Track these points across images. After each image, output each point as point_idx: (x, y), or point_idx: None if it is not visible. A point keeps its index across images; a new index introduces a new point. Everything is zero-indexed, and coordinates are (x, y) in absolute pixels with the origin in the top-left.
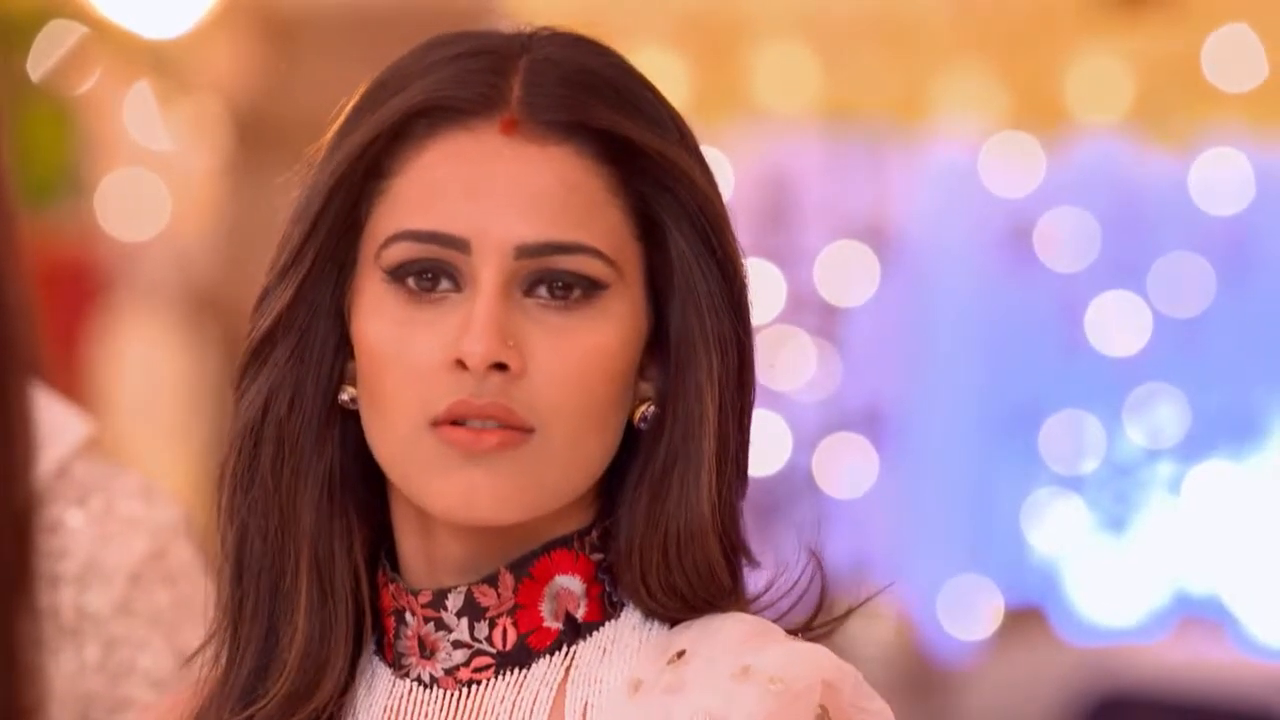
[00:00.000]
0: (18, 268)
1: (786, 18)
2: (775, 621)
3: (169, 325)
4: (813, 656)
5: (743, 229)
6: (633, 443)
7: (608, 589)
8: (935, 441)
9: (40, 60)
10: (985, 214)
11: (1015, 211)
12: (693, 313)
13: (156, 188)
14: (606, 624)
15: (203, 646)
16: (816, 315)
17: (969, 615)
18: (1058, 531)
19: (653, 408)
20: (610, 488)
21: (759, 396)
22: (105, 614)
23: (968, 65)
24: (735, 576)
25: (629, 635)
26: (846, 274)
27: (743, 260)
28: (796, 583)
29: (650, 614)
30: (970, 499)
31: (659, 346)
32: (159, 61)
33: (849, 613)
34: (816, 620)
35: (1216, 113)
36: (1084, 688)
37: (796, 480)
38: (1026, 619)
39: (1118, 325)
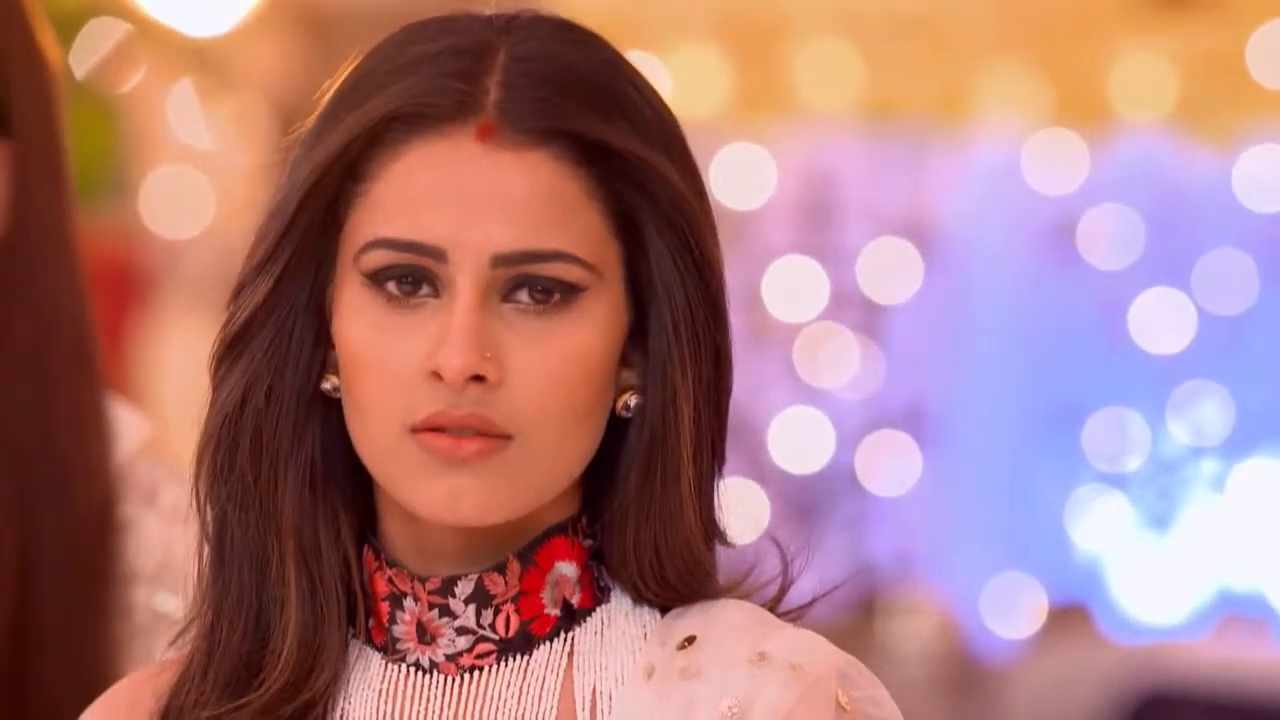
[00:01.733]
0: (84, 274)
1: (828, 15)
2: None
3: (212, 323)
4: (821, 643)
5: (785, 227)
6: (618, 426)
7: (596, 575)
8: (978, 439)
9: (84, 58)
10: (1028, 211)
11: (1058, 209)
12: (669, 313)
13: (200, 185)
14: (598, 609)
15: (184, 630)
16: (859, 313)
17: (1012, 613)
18: (1101, 529)
19: (635, 397)
20: (595, 470)
21: (801, 394)
22: (178, 614)
23: (1010, 62)
24: (713, 557)
25: (622, 621)
26: (889, 271)
27: (721, 260)
28: (785, 570)
29: (639, 600)
30: (1013, 496)
31: (642, 335)
32: (202, 59)
33: (813, 601)
34: (779, 606)
35: (1260, 110)
36: (1127, 685)
37: (839, 478)
38: (1070, 617)
39: (1161, 322)
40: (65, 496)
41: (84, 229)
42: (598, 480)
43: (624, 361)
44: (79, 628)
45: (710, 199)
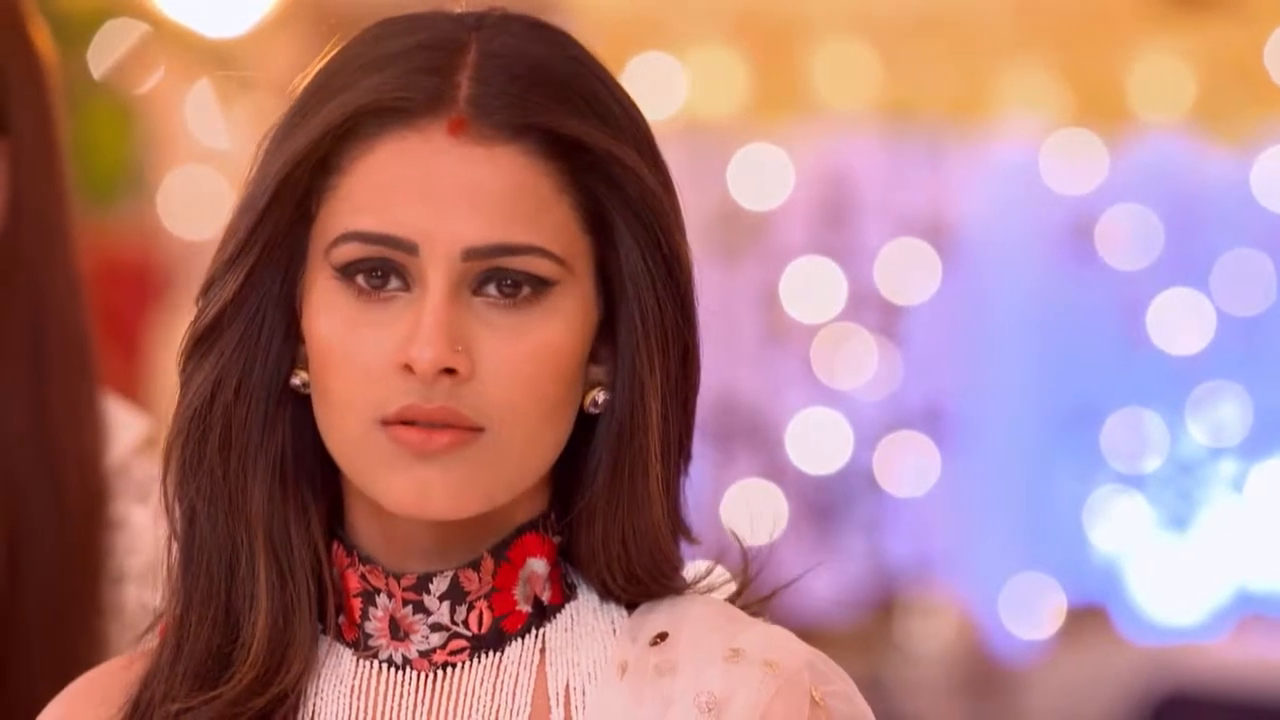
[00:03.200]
0: (80, 271)
1: (846, 15)
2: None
3: None
4: (790, 638)
5: (803, 227)
6: (587, 423)
7: (564, 571)
8: (996, 439)
9: (101, 58)
10: (1046, 212)
11: (1076, 209)
12: (637, 309)
13: (218, 186)
14: (567, 606)
15: (153, 625)
16: (877, 313)
17: (1031, 614)
18: (1120, 529)
19: (603, 393)
20: (564, 467)
21: (819, 395)
22: None
23: (1029, 63)
24: (679, 553)
25: (590, 617)
26: (907, 272)
27: (689, 257)
28: (748, 565)
29: (606, 596)
30: (1032, 497)
31: (611, 331)
32: (220, 60)
33: (774, 593)
34: (740, 599)
35: (1278, 110)
36: (1146, 686)
37: (857, 479)
38: (1088, 617)
39: (1180, 323)
40: (55, 490)
41: (102, 229)
42: (566, 477)
43: (593, 357)
44: (66, 623)
45: (728, 200)
